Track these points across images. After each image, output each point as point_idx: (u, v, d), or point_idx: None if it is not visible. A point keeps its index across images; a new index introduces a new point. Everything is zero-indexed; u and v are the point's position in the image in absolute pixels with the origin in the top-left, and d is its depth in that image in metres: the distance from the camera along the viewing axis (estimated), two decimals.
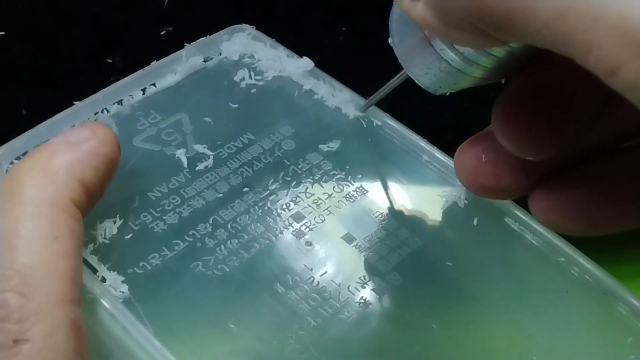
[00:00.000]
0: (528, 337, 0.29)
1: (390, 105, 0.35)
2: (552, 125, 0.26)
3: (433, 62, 0.26)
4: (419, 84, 0.28)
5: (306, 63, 0.36)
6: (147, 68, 0.35)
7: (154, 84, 0.35)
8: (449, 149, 0.33)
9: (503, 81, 0.27)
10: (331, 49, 0.46)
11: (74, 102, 0.33)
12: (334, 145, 0.34)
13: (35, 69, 0.43)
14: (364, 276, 0.30)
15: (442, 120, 0.32)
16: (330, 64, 0.36)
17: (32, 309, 0.24)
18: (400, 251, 0.31)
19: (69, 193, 0.27)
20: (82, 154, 0.28)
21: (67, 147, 0.28)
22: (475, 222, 0.32)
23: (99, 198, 0.28)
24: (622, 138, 0.28)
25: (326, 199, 0.32)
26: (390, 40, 0.27)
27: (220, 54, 0.37)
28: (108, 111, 0.34)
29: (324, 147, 0.34)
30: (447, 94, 0.27)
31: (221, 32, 0.38)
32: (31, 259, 0.25)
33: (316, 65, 0.36)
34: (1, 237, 0.25)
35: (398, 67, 0.28)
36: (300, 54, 0.36)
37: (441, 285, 0.30)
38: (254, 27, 0.38)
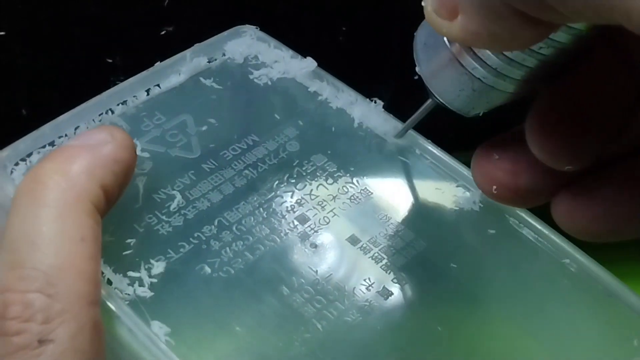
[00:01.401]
0: (532, 339, 0.29)
1: (390, 105, 0.35)
2: (586, 135, 0.26)
3: (465, 83, 0.26)
4: (451, 108, 0.27)
5: (309, 63, 0.36)
6: (151, 69, 0.36)
7: (158, 85, 0.35)
8: (450, 149, 0.33)
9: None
10: (331, 49, 0.46)
11: (74, 102, 0.33)
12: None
13: (35, 69, 0.43)
14: (369, 278, 0.30)
15: (444, 119, 0.31)
16: (331, 64, 0.36)
17: (57, 310, 0.24)
18: (406, 253, 0.31)
19: (91, 197, 0.27)
20: (102, 158, 0.28)
21: (87, 150, 0.28)
22: (479, 223, 0.32)
23: (116, 202, 0.29)
24: None
25: (331, 200, 0.32)
26: (417, 69, 0.27)
27: (224, 55, 0.37)
28: (113, 112, 0.34)
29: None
30: (480, 114, 0.27)
31: (225, 32, 0.38)
32: (57, 260, 0.25)
33: (316, 64, 0.36)
34: (24, 238, 0.25)
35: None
36: (301, 54, 0.36)
37: (446, 287, 0.31)
38: (258, 28, 0.38)
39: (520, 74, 0.25)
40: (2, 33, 0.43)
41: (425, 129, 0.34)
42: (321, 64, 0.36)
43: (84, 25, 0.43)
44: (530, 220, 0.32)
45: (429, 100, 0.29)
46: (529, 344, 0.29)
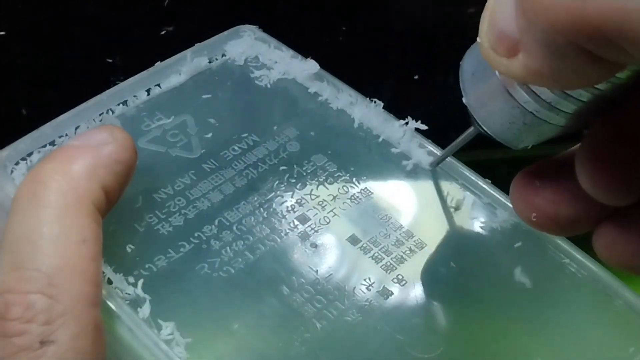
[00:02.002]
0: (534, 339, 0.29)
1: (390, 105, 0.35)
2: (637, 170, 0.25)
3: (516, 116, 0.25)
4: (499, 140, 0.27)
5: (311, 65, 0.36)
6: (151, 69, 0.36)
7: (158, 85, 0.35)
8: None
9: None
10: (331, 49, 0.46)
11: (74, 102, 0.33)
12: None
13: (35, 69, 0.44)
14: (369, 278, 0.30)
15: (445, 119, 0.31)
16: (331, 64, 0.36)
17: (59, 311, 0.24)
18: (406, 253, 0.31)
19: (92, 198, 0.27)
20: (103, 159, 0.28)
21: (88, 150, 0.28)
22: (478, 223, 0.32)
23: (116, 202, 0.29)
24: None
25: (331, 200, 0.32)
26: (464, 100, 0.27)
27: (225, 55, 0.37)
28: (113, 112, 0.34)
29: None
30: (529, 147, 0.27)
31: (225, 32, 0.38)
32: (59, 261, 0.25)
33: (316, 64, 0.36)
34: (26, 239, 0.25)
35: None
36: (301, 54, 0.36)
37: (446, 286, 0.31)
38: (258, 28, 0.38)
39: (574, 108, 0.24)
40: (2, 33, 0.43)
41: (427, 128, 0.34)
42: (321, 64, 0.36)
43: (84, 25, 0.43)
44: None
45: (471, 129, 0.29)
46: (530, 344, 0.29)
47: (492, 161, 0.38)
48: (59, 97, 0.32)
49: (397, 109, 0.35)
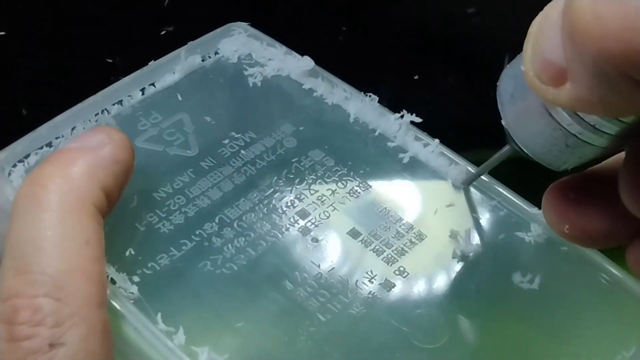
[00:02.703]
0: (534, 330, 0.30)
1: (390, 105, 0.35)
2: None
3: (559, 138, 0.25)
4: (539, 161, 0.27)
5: (307, 62, 0.36)
6: (145, 68, 0.36)
7: (153, 84, 0.35)
8: (451, 148, 0.34)
9: None
10: (331, 49, 0.46)
11: (74, 103, 0.33)
12: None
13: (35, 69, 0.44)
14: (371, 271, 0.30)
15: (444, 119, 0.32)
16: (331, 63, 0.36)
17: (67, 313, 0.24)
18: (406, 245, 0.31)
19: (93, 199, 0.27)
20: (102, 160, 0.28)
21: (86, 152, 0.28)
22: (475, 212, 0.32)
23: (116, 203, 0.29)
24: None
25: (330, 195, 0.32)
26: (503, 121, 0.27)
27: (218, 53, 0.37)
28: (109, 112, 0.34)
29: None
30: (570, 169, 0.27)
31: (217, 30, 0.38)
32: (64, 263, 0.25)
33: (317, 65, 0.36)
34: (29, 243, 0.25)
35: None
36: (301, 53, 0.36)
37: (448, 277, 0.31)
38: (249, 24, 0.38)
39: (617, 130, 0.24)
40: (2, 33, 0.43)
41: (427, 127, 0.34)
42: (321, 64, 0.36)
43: (84, 25, 0.43)
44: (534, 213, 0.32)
45: (507, 147, 0.29)
46: (530, 334, 0.30)
47: None
48: (59, 97, 0.32)
49: (397, 109, 0.35)
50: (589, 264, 0.31)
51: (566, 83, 0.21)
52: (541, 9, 0.22)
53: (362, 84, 0.35)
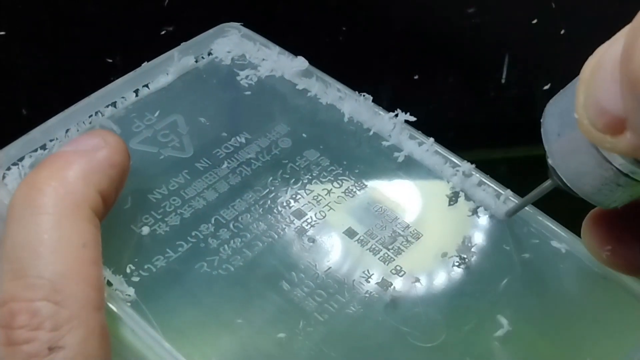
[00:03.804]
0: (530, 324, 0.30)
1: (390, 105, 0.35)
2: None
3: (609, 178, 0.25)
4: (588, 200, 0.26)
5: (301, 62, 0.36)
6: (138, 69, 0.36)
7: (146, 85, 0.35)
8: (451, 148, 0.34)
9: None
10: (331, 49, 0.46)
11: (74, 103, 0.33)
12: None
13: (35, 69, 0.44)
14: (368, 270, 0.30)
15: (444, 119, 0.32)
16: (331, 63, 0.36)
17: (65, 316, 0.24)
18: (403, 244, 0.31)
19: (89, 202, 0.27)
20: (97, 164, 0.28)
21: (82, 156, 0.28)
22: (470, 211, 0.32)
23: (113, 206, 0.28)
24: None
25: (326, 194, 0.32)
26: (549, 160, 0.27)
27: (211, 54, 0.37)
28: (102, 114, 0.34)
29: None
30: (619, 207, 0.26)
31: (210, 31, 0.38)
32: (61, 267, 0.25)
33: (316, 65, 0.36)
34: (26, 246, 0.25)
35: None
36: (300, 53, 0.36)
37: (444, 275, 0.31)
38: (242, 24, 0.38)
39: None
40: (2, 33, 0.43)
41: (427, 128, 0.34)
42: (322, 64, 0.36)
43: (84, 25, 0.43)
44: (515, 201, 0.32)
45: (548, 182, 0.28)
46: (529, 333, 0.30)
47: (492, 161, 0.38)
48: (59, 97, 0.32)
49: (398, 109, 0.35)
50: (583, 261, 0.31)
51: (625, 132, 0.21)
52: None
53: (362, 85, 0.35)
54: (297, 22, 0.46)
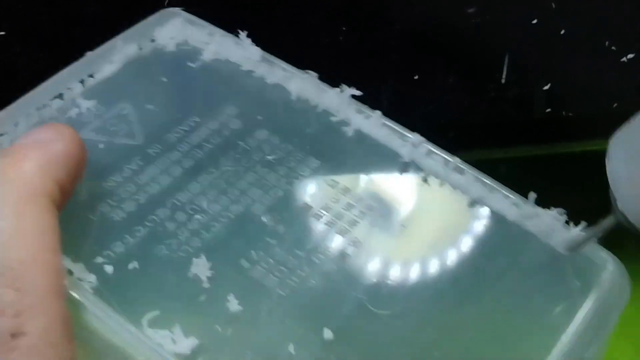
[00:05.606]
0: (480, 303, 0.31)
1: (390, 105, 0.35)
2: None
3: None
4: None
5: (253, 52, 0.36)
6: (82, 59, 0.35)
7: (91, 75, 0.35)
8: (451, 148, 0.34)
9: None
10: (331, 49, 0.46)
11: None
12: None
13: (35, 69, 0.44)
14: (325, 243, 0.31)
15: (444, 119, 0.32)
16: (331, 64, 0.36)
17: (27, 303, 0.24)
18: (357, 216, 0.32)
19: (47, 192, 0.27)
20: (53, 156, 0.28)
21: (38, 148, 0.28)
22: (421, 179, 0.33)
23: (70, 196, 0.29)
24: None
25: (279, 172, 0.33)
26: (619, 204, 0.27)
27: (154, 40, 0.37)
28: (50, 106, 0.34)
29: None
30: None
31: (151, 18, 0.38)
32: (22, 254, 0.25)
33: (316, 65, 0.36)
34: None
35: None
36: (300, 54, 0.36)
37: (397, 245, 0.31)
38: (183, 9, 0.38)
39: None
40: (2, 33, 0.43)
41: (427, 128, 0.34)
42: (322, 64, 0.36)
43: (84, 25, 0.44)
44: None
45: (611, 217, 0.28)
46: (481, 296, 0.31)
47: (492, 161, 0.39)
48: None
49: (398, 109, 0.35)
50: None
51: None
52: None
53: (362, 85, 0.35)
54: (297, 22, 0.46)
